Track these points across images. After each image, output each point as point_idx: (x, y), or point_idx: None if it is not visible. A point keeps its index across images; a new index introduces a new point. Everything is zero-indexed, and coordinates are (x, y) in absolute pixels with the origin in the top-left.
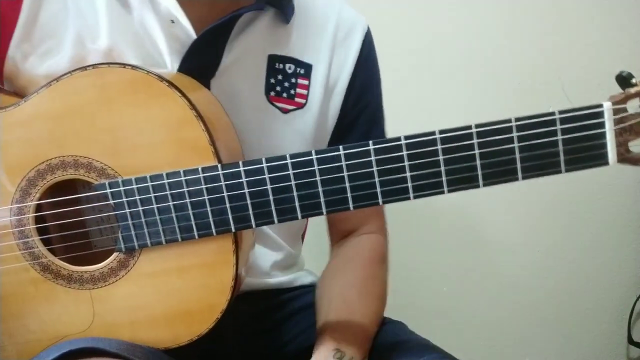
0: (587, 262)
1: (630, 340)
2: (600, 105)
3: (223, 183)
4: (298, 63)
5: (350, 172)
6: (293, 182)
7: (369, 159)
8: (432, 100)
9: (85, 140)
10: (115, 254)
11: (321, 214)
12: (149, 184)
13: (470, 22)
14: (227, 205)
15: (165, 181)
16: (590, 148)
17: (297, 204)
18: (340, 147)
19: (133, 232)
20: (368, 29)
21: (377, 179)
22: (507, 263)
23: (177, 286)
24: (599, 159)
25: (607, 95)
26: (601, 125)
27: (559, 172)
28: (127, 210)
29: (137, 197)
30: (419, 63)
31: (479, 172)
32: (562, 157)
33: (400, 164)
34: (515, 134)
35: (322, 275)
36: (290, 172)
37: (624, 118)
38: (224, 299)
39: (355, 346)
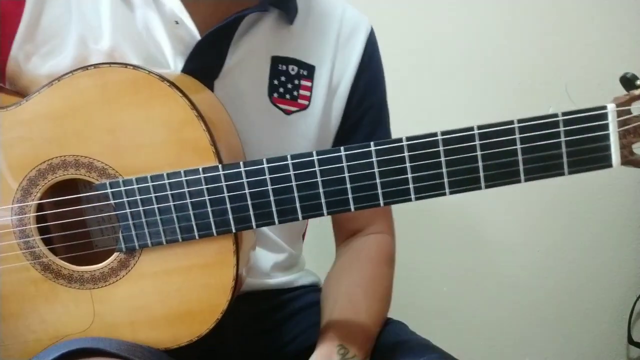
0: (587, 262)
1: (630, 340)
2: (604, 107)
3: (224, 183)
4: (301, 64)
5: (352, 173)
6: (294, 183)
7: (370, 160)
8: (432, 100)
9: (87, 139)
10: (115, 254)
11: (322, 215)
12: (150, 184)
13: (470, 22)
14: (228, 205)
15: (166, 181)
16: (593, 150)
17: (297, 204)
18: (342, 147)
19: (134, 232)
20: (371, 29)
21: (378, 180)
22: (507, 263)
23: (177, 286)
24: (603, 161)
25: (608, 95)
26: (605, 127)
27: (562, 174)
28: (128, 210)
29: (138, 197)
30: (419, 63)
31: (481, 174)
32: (565, 159)
33: (402, 165)
34: (517, 136)
35: (328, 275)
36: (291, 172)
37: (628, 120)
38: (225, 299)
39: (359, 344)
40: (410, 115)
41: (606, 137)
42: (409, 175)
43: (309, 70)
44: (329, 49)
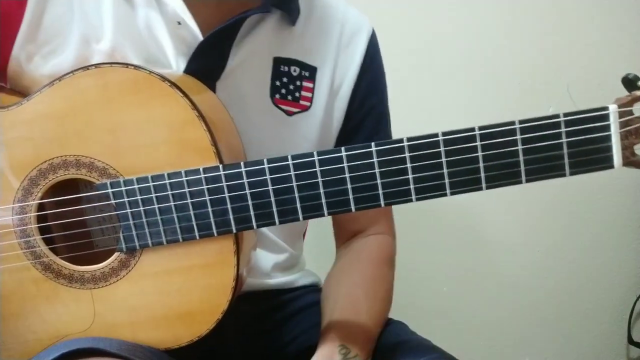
0: (587, 262)
1: (630, 340)
2: (606, 108)
3: (224, 184)
4: (303, 65)
5: (352, 174)
6: (294, 183)
7: (371, 160)
8: (432, 100)
9: (87, 139)
10: (116, 254)
11: (323, 215)
12: (151, 184)
13: (470, 22)
14: (229, 205)
15: (167, 181)
16: (595, 151)
17: (298, 205)
18: (342, 148)
19: (134, 232)
20: (373, 31)
21: (379, 181)
22: (507, 263)
23: (178, 286)
24: (604, 162)
25: (608, 95)
26: (607, 128)
27: (564, 175)
28: (129, 210)
29: (139, 197)
30: (419, 63)
31: (482, 175)
32: (566, 160)
33: (403, 166)
34: (519, 137)
35: (329, 275)
36: (292, 173)
37: (630, 121)
38: (225, 299)
39: (360, 344)
40: (410, 115)
41: (608, 138)
42: (410, 176)
43: (311, 72)
44: (331, 50)
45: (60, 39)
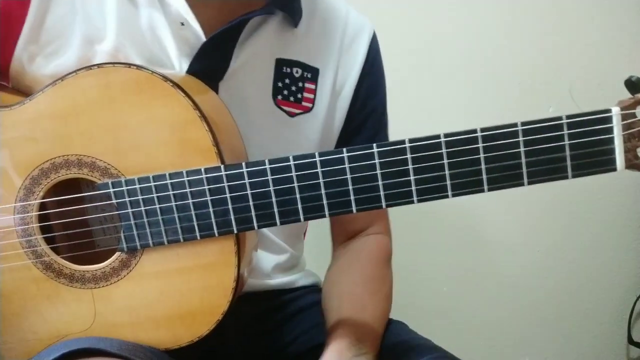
0: (587, 262)
1: (630, 340)
2: (609, 111)
3: (226, 184)
4: (305, 67)
5: (354, 175)
6: (296, 184)
7: (372, 161)
8: (432, 100)
9: (89, 139)
10: (117, 254)
11: (324, 216)
12: (152, 184)
13: (470, 22)
14: (230, 206)
15: (168, 181)
16: (597, 154)
17: (299, 206)
18: (344, 149)
19: (135, 232)
20: (374, 33)
21: (380, 182)
22: (507, 263)
23: (178, 287)
24: (607, 165)
25: (608, 95)
26: (609, 130)
27: (566, 177)
28: (130, 210)
29: (140, 197)
30: (419, 63)
31: (484, 177)
32: (569, 163)
33: (404, 167)
34: (521, 139)
35: (327, 275)
36: (293, 173)
37: (633, 124)
38: (226, 300)
39: (369, 342)
40: (410, 115)
41: (610, 141)
42: (412, 178)
43: (313, 73)
44: (333, 52)
45: (62, 40)
